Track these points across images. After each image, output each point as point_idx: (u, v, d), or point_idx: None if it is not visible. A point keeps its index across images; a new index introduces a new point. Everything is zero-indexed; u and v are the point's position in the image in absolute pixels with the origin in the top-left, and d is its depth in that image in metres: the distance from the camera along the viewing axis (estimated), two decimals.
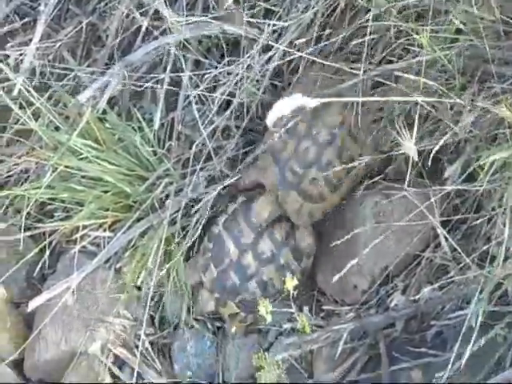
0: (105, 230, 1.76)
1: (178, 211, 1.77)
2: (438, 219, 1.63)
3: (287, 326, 1.68)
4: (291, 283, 1.52)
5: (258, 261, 1.71)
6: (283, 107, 1.17)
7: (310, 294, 1.83)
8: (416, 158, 1.50)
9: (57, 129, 1.80)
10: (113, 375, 1.73)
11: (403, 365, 1.70)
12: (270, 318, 1.51)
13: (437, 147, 1.50)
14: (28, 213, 1.80)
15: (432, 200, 1.57)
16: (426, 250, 1.78)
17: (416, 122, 1.40)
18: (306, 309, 1.58)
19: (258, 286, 1.71)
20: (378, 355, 1.77)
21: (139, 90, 1.88)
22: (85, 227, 1.75)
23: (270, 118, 1.18)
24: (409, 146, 1.45)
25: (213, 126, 1.76)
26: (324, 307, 1.79)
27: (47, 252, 1.79)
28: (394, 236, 1.79)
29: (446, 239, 1.66)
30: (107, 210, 1.76)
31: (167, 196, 1.77)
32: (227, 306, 1.74)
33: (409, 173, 1.52)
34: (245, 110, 1.78)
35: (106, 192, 1.75)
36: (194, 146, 1.75)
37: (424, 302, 1.72)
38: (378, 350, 1.76)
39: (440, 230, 1.64)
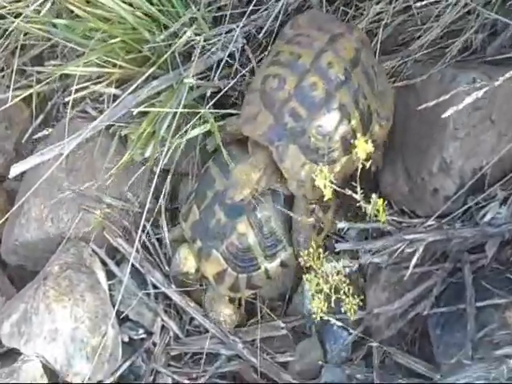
0: (110, 85, 1.37)
1: (205, 72, 1.39)
2: None
3: (342, 225, 1.21)
4: (363, 147, 1.04)
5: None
6: None
7: None
8: None
9: None
10: (107, 271, 1.40)
11: (495, 300, 1.26)
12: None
13: None
14: (21, 70, 1.47)
15: None
16: None
17: None
18: (375, 196, 1.09)
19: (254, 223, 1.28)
20: (459, 285, 1.32)
21: None
22: (86, 80, 1.38)
23: None
24: None
25: None
26: (389, 218, 1.30)
27: (40, 117, 1.45)
28: (494, 127, 1.32)
29: None
30: (116, 59, 1.37)
31: (192, 49, 1.37)
32: (210, 259, 1.31)
33: None
34: None
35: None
36: None
37: None
38: (460, 277, 1.31)
39: None
